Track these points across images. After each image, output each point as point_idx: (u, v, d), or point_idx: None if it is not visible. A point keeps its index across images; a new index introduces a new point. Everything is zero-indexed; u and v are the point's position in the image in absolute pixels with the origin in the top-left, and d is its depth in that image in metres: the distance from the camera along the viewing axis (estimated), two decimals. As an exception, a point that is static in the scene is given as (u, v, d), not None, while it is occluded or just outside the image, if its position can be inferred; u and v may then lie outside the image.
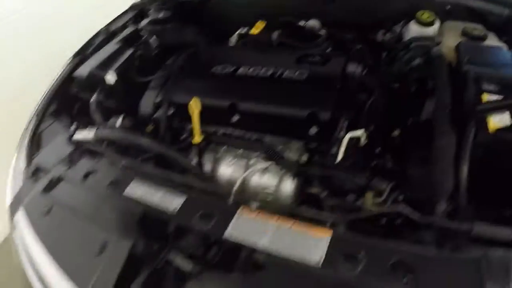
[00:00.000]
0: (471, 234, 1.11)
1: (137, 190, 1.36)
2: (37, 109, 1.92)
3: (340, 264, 1.06)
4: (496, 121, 1.33)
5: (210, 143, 1.67)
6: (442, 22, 1.96)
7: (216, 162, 1.68)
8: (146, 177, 1.41)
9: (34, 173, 1.58)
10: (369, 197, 1.43)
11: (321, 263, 1.07)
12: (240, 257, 1.15)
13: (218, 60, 1.85)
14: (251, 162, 1.63)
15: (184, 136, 1.70)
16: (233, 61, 1.82)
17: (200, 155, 1.57)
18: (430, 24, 1.89)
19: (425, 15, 1.90)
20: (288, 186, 1.55)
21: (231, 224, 1.19)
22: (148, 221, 1.28)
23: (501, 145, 1.29)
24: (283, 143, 1.60)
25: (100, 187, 1.41)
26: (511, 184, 1.31)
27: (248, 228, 1.18)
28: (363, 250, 1.08)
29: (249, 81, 1.69)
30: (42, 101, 1.96)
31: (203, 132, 1.65)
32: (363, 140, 1.45)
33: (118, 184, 1.40)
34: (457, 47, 1.66)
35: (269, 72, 1.69)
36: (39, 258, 1.32)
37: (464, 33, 1.80)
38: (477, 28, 1.83)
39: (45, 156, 1.64)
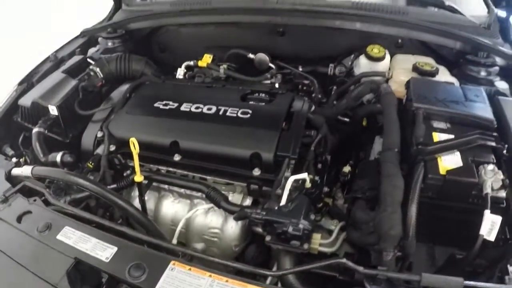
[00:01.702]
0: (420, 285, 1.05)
1: (71, 235, 1.28)
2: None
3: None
4: (447, 162, 1.29)
5: (153, 181, 1.62)
6: (392, 55, 1.95)
7: (159, 201, 1.62)
8: (80, 222, 1.33)
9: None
10: (316, 238, 1.39)
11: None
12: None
13: (162, 94, 1.80)
14: (195, 201, 1.59)
15: (127, 173, 1.63)
16: (177, 96, 1.77)
17: (141, 193, 1.50)
18: (380, 59, 1.88)
19: (375, 50, 1.89)
20: (234, 226, 1.51)
21: (163, 277, 1.12)
22: (80, 270, 1.20)
23: (453, 187, 1.25)
24: (226, 184, 1.55)
25: (33, 230, 1.32)
26: (462, 225, 1.28)
27: (180, 282, 1.11)
28: None
29: (192, 119, 1.64)
30: None
31: (146, 170, 1.59)
32: (308, 182, 1.40)
33: (52, 229, 1.31)
34: (407, 84, 1.64)
35: (213, 110, 1.65)
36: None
37: (415, 68, 1.78)
38: (428, 63, 1.81)
39: None
